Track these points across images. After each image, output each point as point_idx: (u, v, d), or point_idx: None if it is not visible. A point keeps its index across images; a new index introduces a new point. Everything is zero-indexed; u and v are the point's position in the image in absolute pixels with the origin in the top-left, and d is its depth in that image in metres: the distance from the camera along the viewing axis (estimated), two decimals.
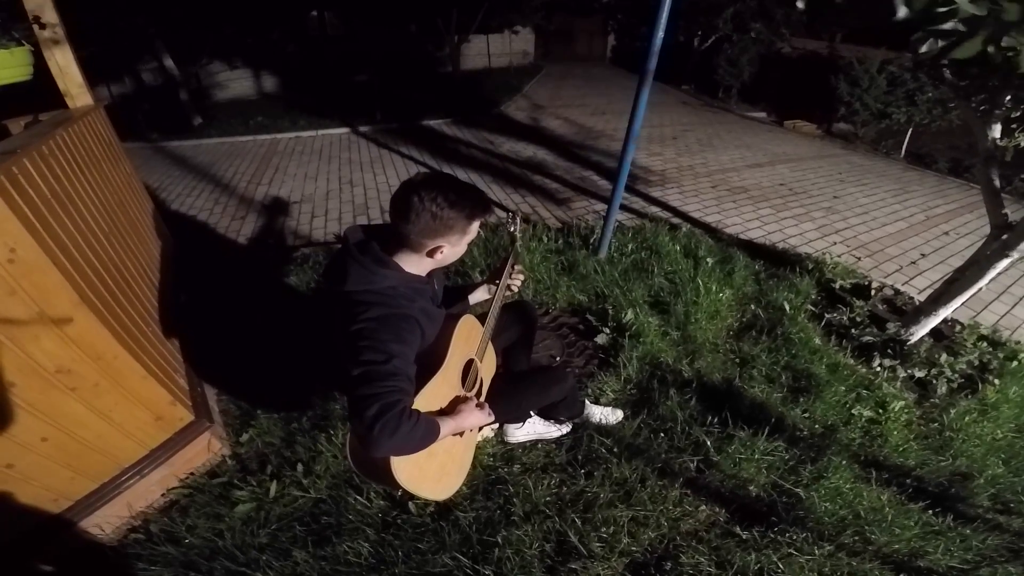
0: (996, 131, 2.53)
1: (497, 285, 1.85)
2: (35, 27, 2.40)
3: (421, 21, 11.86)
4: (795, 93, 9.83)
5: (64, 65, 2.62)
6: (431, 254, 1.39)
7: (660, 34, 2.69)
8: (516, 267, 1.92)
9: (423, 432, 1.23)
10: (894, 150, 8.13)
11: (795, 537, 1.94)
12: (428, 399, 1.40)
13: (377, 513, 1.97)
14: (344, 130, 8.38)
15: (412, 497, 1.99)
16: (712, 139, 8.09)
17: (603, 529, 1.93)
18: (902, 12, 1.44)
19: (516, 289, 1.93)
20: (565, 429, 2.34)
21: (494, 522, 1.95)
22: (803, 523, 2.02)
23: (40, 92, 2.64)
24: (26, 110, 2.81)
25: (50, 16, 2.46)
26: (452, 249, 1.41)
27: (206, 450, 2.16)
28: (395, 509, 2.00)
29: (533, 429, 2.27)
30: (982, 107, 2.49)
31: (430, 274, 1.51)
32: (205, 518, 1.94)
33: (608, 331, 3.00)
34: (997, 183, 2.62)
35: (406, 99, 10.18)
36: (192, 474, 2.13)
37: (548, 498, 2.05)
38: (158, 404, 1.93)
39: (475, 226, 1.42)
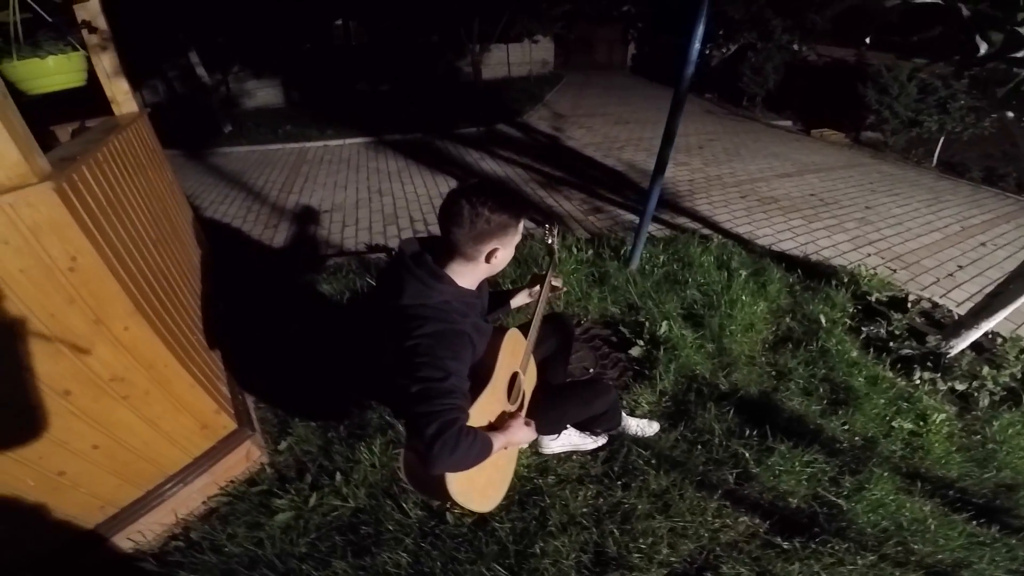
0: None
1: (542, 286, 1.87)
2: (85, 32, 2.42)
3: (444, 30, 11.96)
4: (822, 101, 9.68)
5: (112, 71, 2.64)
6: (488, 258, 1.39)
7: (696, 46, 2.68)
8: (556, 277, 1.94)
9: (479, 449, 1.24)
10: (925, 159, 7.97)
11: (837, 547, 1.92)
12: (478, 414, 1.39)
13: (415, 523, 1.97)
14: (370, 139, 8.46)
15: (454, 508, 1.99)
16: (739, 148, 8.01)
17: (641, 540, 1.92)
18: (983, 48, 1.49)
19: (560, 296, 1.94)
20: (601, 441, 2.32)
21: (530, 533, 1.95)
22: (845, 534, 2.00)
23: (80, 99, 2.60)
24: (67, 117, 2.83)
25: (100, 22, 2.48)
26: (504, 251, 1.41)
27: (245, 458, 2.17)
28: (433, 519, 2.00)
29: (569, 440, 2.26)
30: None
31: (479, 287, 1.52)
32: (245, 526, 1.96)
33: (642, 343, 2.98)
34: None
35: (430, 108, 10.25)
36: (232, 482, 2.14)
37: (585, 509, 2.05)
38: (204, 412, 1.96)
39: (522, 226, 1.44)
